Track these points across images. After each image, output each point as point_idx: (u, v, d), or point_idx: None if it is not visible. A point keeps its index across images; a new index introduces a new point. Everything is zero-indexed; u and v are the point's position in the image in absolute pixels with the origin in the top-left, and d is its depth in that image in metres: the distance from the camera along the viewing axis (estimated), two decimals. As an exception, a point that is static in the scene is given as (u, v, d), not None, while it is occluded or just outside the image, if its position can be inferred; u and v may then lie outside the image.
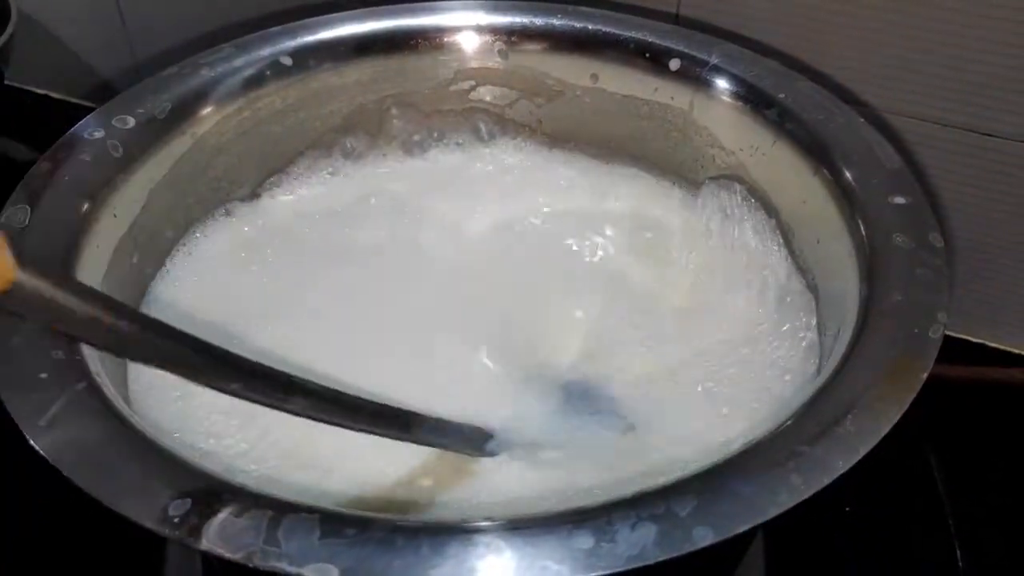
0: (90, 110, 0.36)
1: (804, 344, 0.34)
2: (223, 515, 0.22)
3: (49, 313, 0.18)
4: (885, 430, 0.24)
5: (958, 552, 0.40)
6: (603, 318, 0.38)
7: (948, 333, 0.27)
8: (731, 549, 0.35)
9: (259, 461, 0.30)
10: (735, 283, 0.37)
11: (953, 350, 0.28)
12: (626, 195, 0.42)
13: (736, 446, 0.25)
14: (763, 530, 0.38)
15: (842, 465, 0.23)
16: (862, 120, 0.36)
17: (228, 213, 0.40)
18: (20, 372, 0.26)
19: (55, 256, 0.30)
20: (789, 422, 0.25)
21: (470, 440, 0.31)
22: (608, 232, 0.41)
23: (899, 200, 0.32)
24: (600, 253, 0.40)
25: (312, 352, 0.34)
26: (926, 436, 0.44)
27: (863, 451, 0.24)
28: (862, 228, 0.32)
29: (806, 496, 0.23)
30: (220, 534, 0.22)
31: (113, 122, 0.35)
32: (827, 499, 0.23)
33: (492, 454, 0.32)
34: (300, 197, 0.41)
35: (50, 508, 0.39)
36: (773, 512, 0.23)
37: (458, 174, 0.43)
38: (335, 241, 0.40)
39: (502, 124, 0.44)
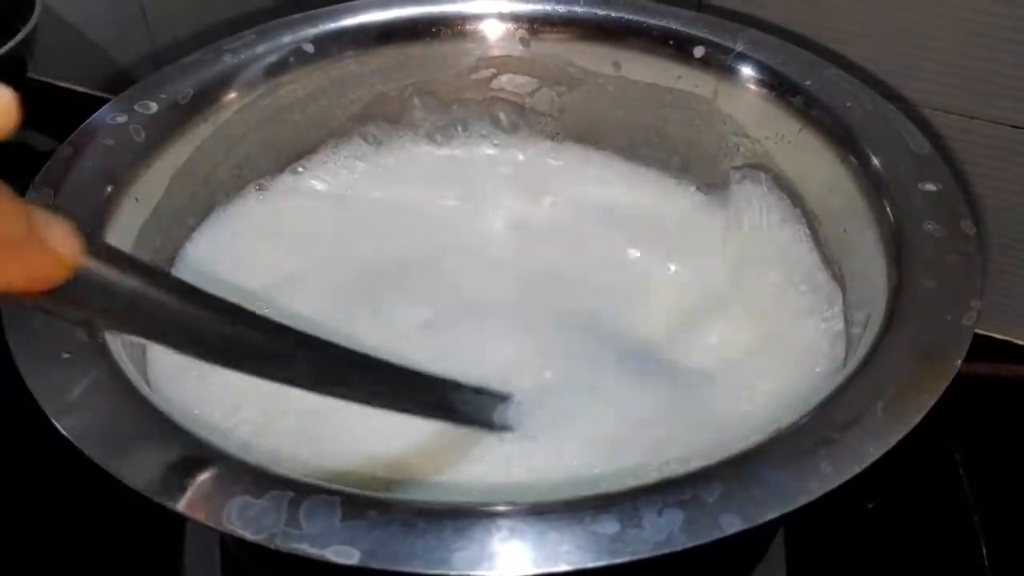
0: (110, 102, 0.36)
1: (830, 335, 0.33)
2: (244, 496, 0.22)
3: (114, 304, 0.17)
4: (918, 418, 0.24)
5: (984, 550, 0.39)
6: (621, 307, 0.37)
7: (974, 330, 0.26)
8: (753, 544, 0.35)
9: (275, 437, 0.30)
10: (759, 273, 0.37)
11: (979, 347, 0.27)
12: (648, 186, 0.42)
13: (762, 435, 0.24)
14: (785, 526, 0.37)
15: (873, 452, 0.23)
16: (891, 107, 0.35)
17: (251, 196, 0.40)
18: (43, 353, 0.26)
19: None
20: (819, 409, 0.25)
21: (483, 408, 0.30)
22: (629, 222, 0.40)
23: (929, 187, 0.31)
24: (621, 244, 0.40)
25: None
26: (951, 433, 0.43)
27: (895, 439, 0.23)
28: (891, 215, 0.31)
29: (836, 484, 0.22)
30: (240, 515, 0.22)
31: (135, 107, 0.35)
32: (850, 496, 0.22)
33: (506, 428, 0.30)
34: (319, 184, 0.41)
35: (71, 489, 0.39)
36: (803, 500, 0.22)
37: (479, 163, 0.43)
38: (356, 224, 0.40)
39: (523, 113, 0.43)
